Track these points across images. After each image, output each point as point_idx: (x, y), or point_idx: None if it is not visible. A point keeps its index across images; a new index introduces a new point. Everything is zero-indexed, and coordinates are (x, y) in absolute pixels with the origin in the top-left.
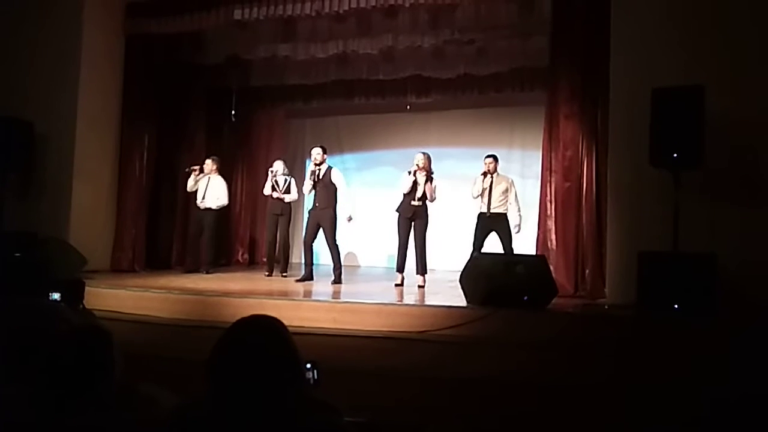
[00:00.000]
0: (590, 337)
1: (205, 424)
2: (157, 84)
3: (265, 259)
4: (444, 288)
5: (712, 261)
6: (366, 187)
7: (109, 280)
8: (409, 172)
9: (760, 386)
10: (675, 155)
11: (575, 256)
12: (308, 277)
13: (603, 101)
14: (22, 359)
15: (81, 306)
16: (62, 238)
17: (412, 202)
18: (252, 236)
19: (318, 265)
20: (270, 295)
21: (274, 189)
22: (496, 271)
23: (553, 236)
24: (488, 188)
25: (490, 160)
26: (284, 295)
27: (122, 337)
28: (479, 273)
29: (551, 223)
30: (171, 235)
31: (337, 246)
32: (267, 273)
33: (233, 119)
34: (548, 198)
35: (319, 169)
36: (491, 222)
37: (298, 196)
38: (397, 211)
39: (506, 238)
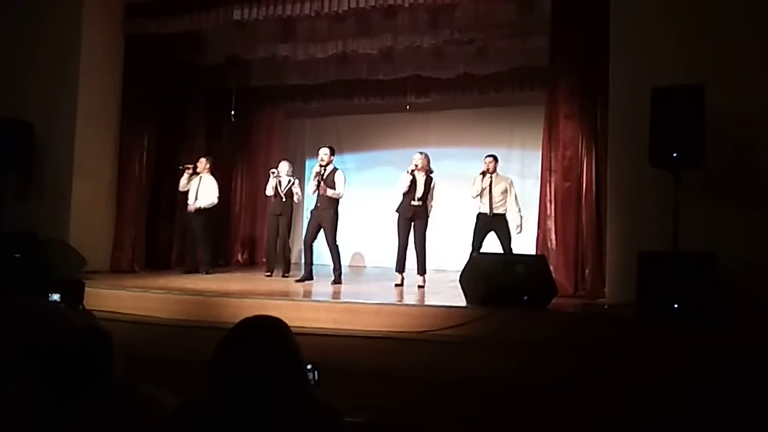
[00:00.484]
0: (590, 336)
1: (208, 425)
2: (157, 84)
3: (264, 260)
4: (444, 288)
5: (712, 261)
6: (366, 187)
7: (109, 280)
8: (408, 172)
9: (760, 386)
10: (675, 155)
11: (575, 256)
12: (308, 277)
13: (603, 101)
14: (23, 360)
15: (81, 306)
16: (62, 239)
17: (412, 203)
18: (252, 236)
19: (317, 265)
20: (270, 295)
21: (276, 189)
22: (495, 271)
23: (553, 236)
24: (488, 188)
25: (490, 159)
26: (284, 295)
27: (122, 338)
28: (479, 273)
29: (551, 223)
30: (171, 236)
31: (337, 246)
32: (267, 273)
33: (233, 119)
34: (548, 198)
35: (325, 170)
36: (491, 222)
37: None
38: (396, 211)
39: (505, 239)
